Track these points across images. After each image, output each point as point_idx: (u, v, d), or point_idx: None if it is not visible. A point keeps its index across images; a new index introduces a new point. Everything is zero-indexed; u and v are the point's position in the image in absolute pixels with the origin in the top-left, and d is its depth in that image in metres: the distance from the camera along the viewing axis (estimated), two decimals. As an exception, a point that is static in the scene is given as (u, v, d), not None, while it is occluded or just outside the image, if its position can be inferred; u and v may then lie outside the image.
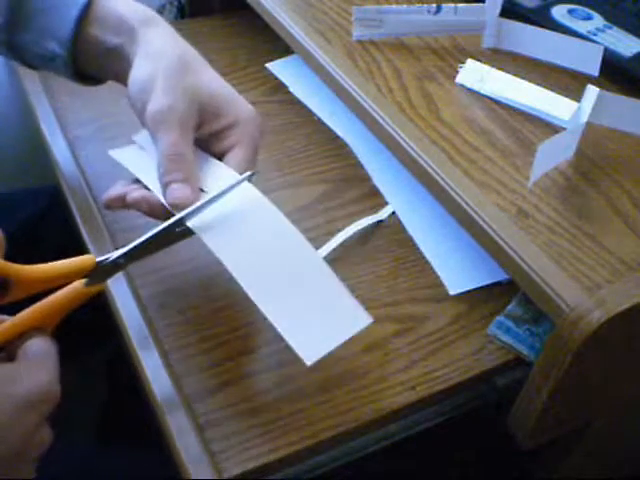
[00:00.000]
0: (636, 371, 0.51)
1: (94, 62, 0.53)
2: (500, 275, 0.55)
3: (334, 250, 0.57)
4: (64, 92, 0.72)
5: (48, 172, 0.65)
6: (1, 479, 0.34)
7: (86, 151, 0.65)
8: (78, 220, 0.58)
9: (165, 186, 0.46)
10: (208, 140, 0.50)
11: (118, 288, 0.52)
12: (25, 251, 0.44)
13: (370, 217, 0.61)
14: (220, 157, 0.49)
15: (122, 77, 0.51)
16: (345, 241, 0.58)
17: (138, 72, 0.48)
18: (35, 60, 0.55)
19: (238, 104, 0.50)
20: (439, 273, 0.57)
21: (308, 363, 0.41)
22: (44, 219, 0.72)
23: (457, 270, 0.57)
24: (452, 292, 0.55)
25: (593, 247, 0.46)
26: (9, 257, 0.40)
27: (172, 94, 0.47)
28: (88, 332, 0.41)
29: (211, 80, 0.50)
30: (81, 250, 0.56)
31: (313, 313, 0.44)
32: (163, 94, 0.47)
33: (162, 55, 0.48)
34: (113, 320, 0.51)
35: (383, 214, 0.62)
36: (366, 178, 0.66)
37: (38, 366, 0.37)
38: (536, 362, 0.46)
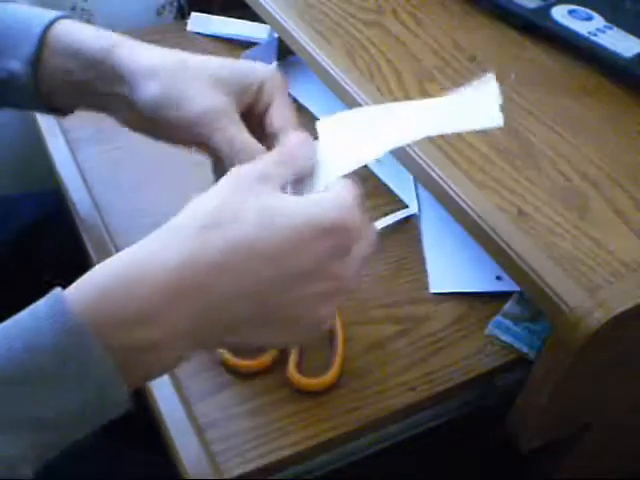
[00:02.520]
0: (636, 372, 0.51)
1: (60, 88, 0.49)
2: (498, 286, 0.55)
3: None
4: (64, 93, 0.72)
5: (48, 175, 0.65)
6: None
7: (86, 153, 0.65)
8: (78, 222, 0.58)
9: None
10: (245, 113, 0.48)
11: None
12: (27, 255, 0.44)
13: (392, 216, 0.61)
14: (260, 120, 0.47)
15: (112, 105, 0.49)
16: (345, 242, 0.58)
17: (146, 92, 0.46)
18: None
19: (253, 67, 0.48)
20: (428, 270, 0.57)
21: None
22: (47, 223, 0.71)
23: (447, 271, 0.57)
24: (432, 290, 0.55)
25: (593, 248, 0.46)
26: (11, 261, 0.39)
27: (199, 93, 0.45)
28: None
29: (217, 61, 0.48)
30: (82, 253, 0.56)
31: None
32: (194, 97, 0.45)
33: (159, 68, 0.46)
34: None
35: (402, 214, 0.62)
36: (366, 178, 0.65)
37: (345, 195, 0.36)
38: (536, 363, 0.46)
